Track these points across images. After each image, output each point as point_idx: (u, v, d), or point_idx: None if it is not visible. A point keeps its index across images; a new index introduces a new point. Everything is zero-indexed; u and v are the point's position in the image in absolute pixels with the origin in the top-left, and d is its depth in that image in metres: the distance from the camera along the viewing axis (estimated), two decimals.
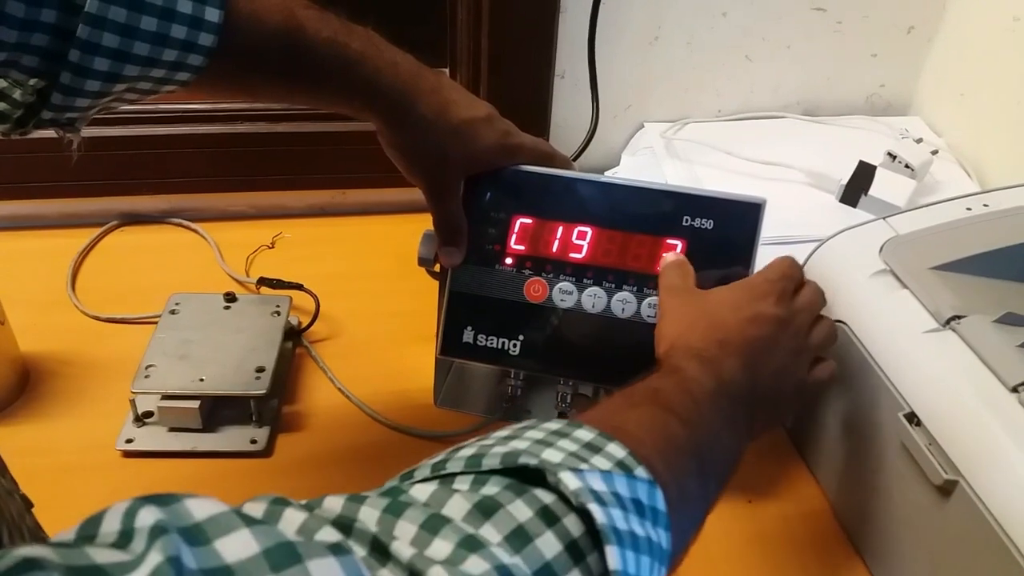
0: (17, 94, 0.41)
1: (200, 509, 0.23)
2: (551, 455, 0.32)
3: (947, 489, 0.47)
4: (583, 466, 0.31)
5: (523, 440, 0.33)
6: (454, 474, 0.32)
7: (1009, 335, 0.50)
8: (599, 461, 0.32)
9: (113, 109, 0.45)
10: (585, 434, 0.34)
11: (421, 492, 0.29)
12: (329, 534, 0.25)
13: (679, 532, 0.35)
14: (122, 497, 0.59)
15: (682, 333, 0.47)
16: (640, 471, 0.33)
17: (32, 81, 0.40)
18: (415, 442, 0.65)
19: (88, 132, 0.84)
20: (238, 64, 0.45)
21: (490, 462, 0.32)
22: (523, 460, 0.31)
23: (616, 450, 0.34)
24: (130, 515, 0.22)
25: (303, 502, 0.28)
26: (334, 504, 0.28)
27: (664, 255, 0.54)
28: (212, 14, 0.42)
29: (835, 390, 0.58)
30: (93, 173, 0.83)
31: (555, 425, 0.35)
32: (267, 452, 0.63)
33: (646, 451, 0.35)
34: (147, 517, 0.22)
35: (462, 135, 0.52)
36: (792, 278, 0.50)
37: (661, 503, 0.33)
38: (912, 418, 0.50)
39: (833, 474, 0.61)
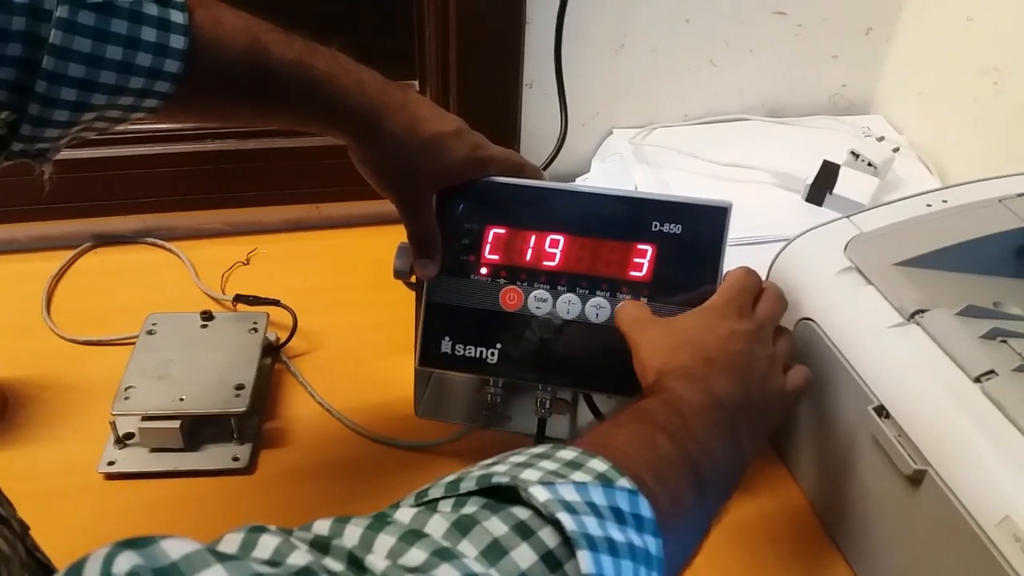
0: None
1: (175, 549, 0.24)
2: (528, 475, 0.33)
3: (917, 479, 0.48)
4: (558, 481, 0.32)
5: (504, 464, 0.35)
6: (437, 499, 0.33)
7: (971, 327, 0.52)
8: (578, 476, 0.33)
9: (84, 138, 0.45)
10: (568, 454, 0.35)
11: (404, 515, 0.30)
12: (299, 557, 0.26)
13: (677, 541, 0.36)
14: (108, 520, 0.60)
15: (666, 360, 0.48)
16: (623, 481, 0.34)
17: (2, 115, 0.41)
18: (398, 453, 0.65)
19: (59, 154, 0.83)
20: (205, 89, 0.46)
21: (467, 484, 0.33)
22: (496, 480, 0.32)
23: (598, 464, 0.35)
24: (108, 562, 0.23)
25: (288, 528, 0.28)
26: (321, 527, 0.29)
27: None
28: (177, 41, 0.42)
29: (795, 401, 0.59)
30: (65, 195, 0.83)
31: (540, 449, 0.36)
32: (250, 469, 0.63)
33: (631, 463, 0.36)
34: (124, 563, 0.23)
35: (432, 150, 0.52)
36: (749, 290, 0.52)
37: (646, 510, 0.34)
38: (881, 411, 0.51)
39: (808, 469, 0.62)
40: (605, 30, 0.84)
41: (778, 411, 0.50)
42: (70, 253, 0.84)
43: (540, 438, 0.62)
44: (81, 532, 0.58)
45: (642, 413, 0.43)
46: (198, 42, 0.44)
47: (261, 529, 0.27)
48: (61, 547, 0.56)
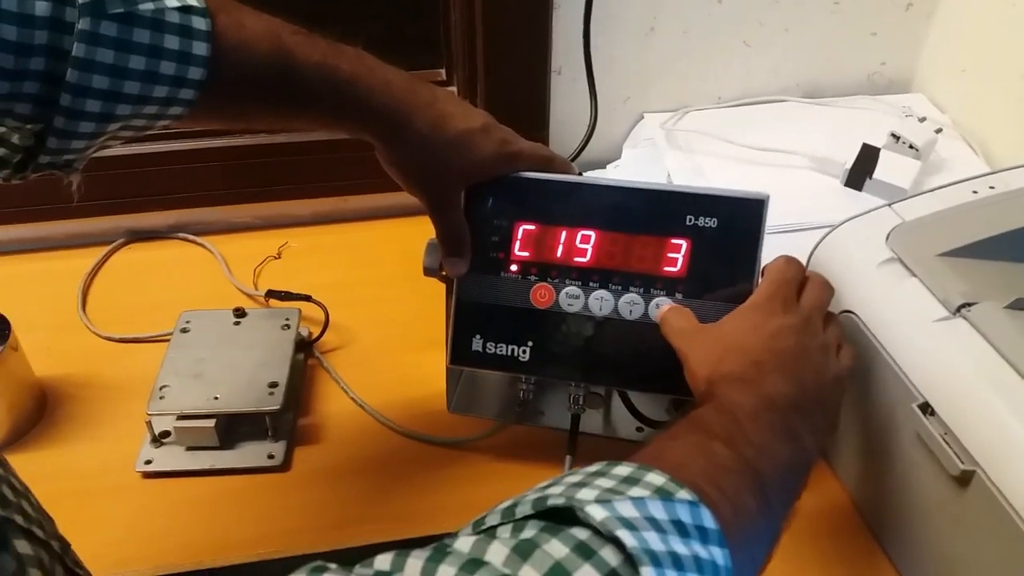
0: (15, 138, 0.41)
1: None
2: (584, 494, 0.32)
3: (965, 479, 0.47)
4: (615, 498, 0.32)
5: (559, 485, 0.34)
6: (495, 526, 0.32)
7: (1021, 321, 0.50)
8: (635, 491, 0.33)
9: (110, 147, 0.45)
10: (623, 470, 0.35)
11: (464, 544, 0.30)
12: None
13: (744, 550, 0.35)
14: (146, 519, 0.60)
15: (715, 368, 0.47)
16: (683, 493, 0.34)
17: (28, 127, 0.41)
18: (431, 449, 0.65)
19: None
20: (230, 94, 0.45)
21: (523, 509, 0.32)
22: (552, 502, 0.32)
23: (655, 478, 0.34)
24: None
25: (349, 567, 0.28)
26: (383, 562, 0.29)
27: (657, 306, 0.54)
28: (200, 48, 0.42)
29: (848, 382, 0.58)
30: (97, 192, 0.83)
31: (595, 467, 0.36)
32: (285, 466, 0.63)
33: (688, 475, 0.35)
34: None
35: (460, 147, 0.52)
36: (790, 281, 0.51)
37: (709, 520, 0.33)
38: (926, 408, 0.50)
39: (851, 466, 0.61)
40: (635, 12, 0.82)
41: (839, 396, 0.49)
42: (104, 249, 0.85)
43: (574, 434, 0.61)
44: (121, 531, 0.59)
45: (695, 423, 0.42)
46: (221, 48, 0.43)
47: (322, 569, 0.27)
48: (102, 546, 0.57)
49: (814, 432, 0.46)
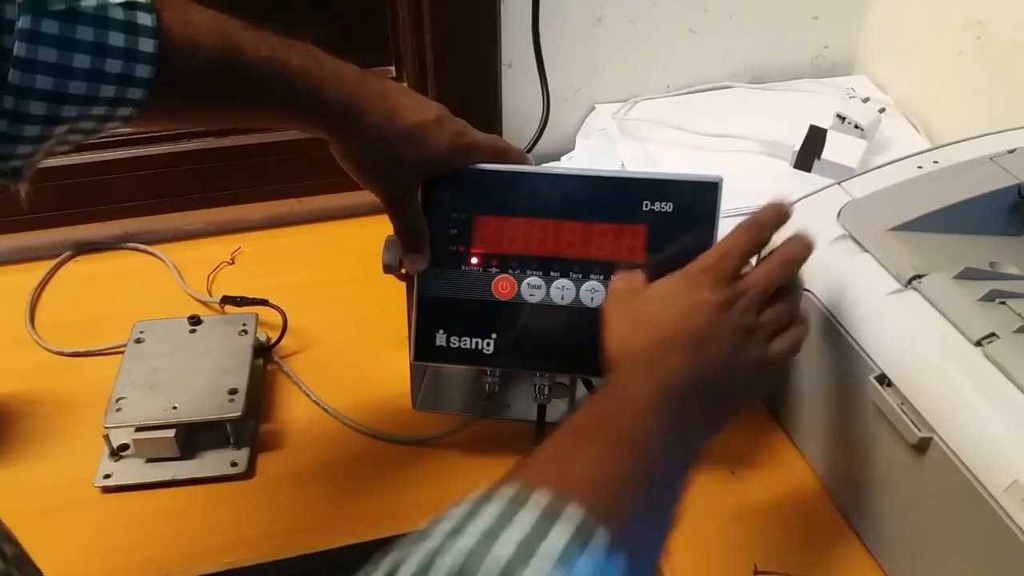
0: None
1: None
2: (501, 550, 0.31)
3: (922, 447, 0.48)
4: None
5: (445, 543, 0.32)
6: None
7: (969, 290, 0.51)
8: (548, 548, 0.32)
9: (57, 152, 0.43)
10: (528, 517, 0.33)
11: None
12: None
13: (633, 553, 0.35)
14: (108, 534, 0.58)
15: (626, 338, 0.47)
16: (595, 541, 0.33)
17: None
18: (398, 449, 0.64)
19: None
20: (179, 92, 0.44)
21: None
22: None
23: (563, 532, 0.33)
24: None
25: None
26: None
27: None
28: (146, 44, 0.41)
29: (806, 358, 0.59)
30: (42, 204, 0.81)
31: (495, 507, 0.34)
32: (249, 473, 0.62)
33: (597, 509, 0.35)
34: None
35: (414, 139, 0.51)
36: (734, 254, 0.48)
37: (599, 546, 0.33)
38: (883, 380, 0.51)
39: (812, 440, 0.62)
40: (582, 4, 0.83)
41: (753, 385, 0.48)
42: (51, 263, 0.82)
43: (541, 424, 0.61)
44: (83, 548, 0.57)
45: (602, 423, 0.42)
46: (169, 44, 0.42)
47: None
48: (64, 565, 0.55)
49: (713, 418, 0.45)
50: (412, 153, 0.52)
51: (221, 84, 0.45)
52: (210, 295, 0.78)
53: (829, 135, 0.78)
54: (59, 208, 0.82)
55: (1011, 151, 0.60)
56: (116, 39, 0.40)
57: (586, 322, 0.55)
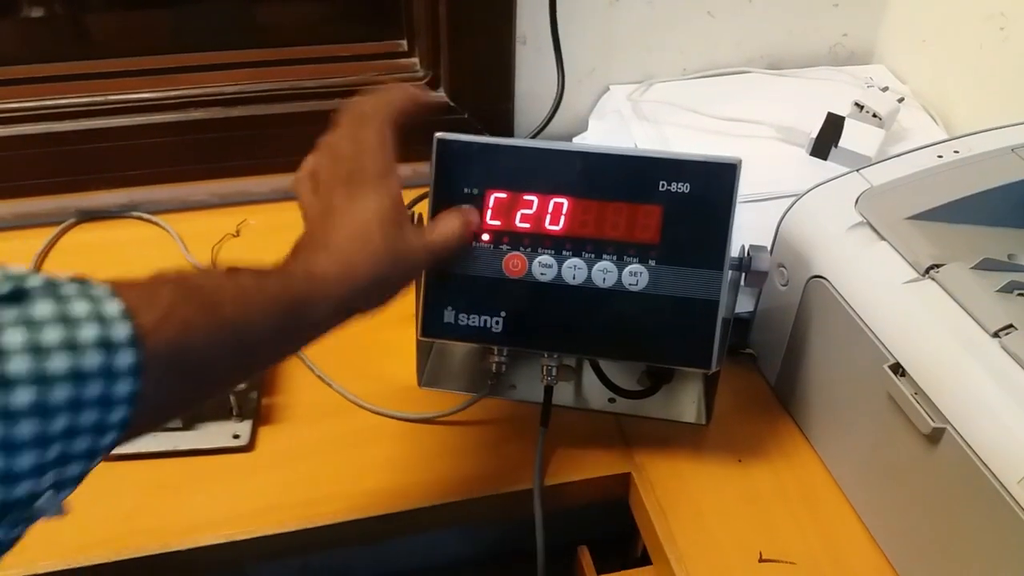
0: None
1: None
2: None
3: (935, 437, 0.47)
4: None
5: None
6: None
7: (987, 280, 0.50)
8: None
9: None
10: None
11: None
12: None
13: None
14: (109, 502, 0.57)
15: None
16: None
17: None
18: (401, 426, 0.64)
19: (38, 128, 0.80)
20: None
21: None
22: None
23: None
24: None
25: None
26: None
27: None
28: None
29: (819, 345, 0.58)
30: (46, 170, 0.80)
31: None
32: (250, 446, 0.62)
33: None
34: None
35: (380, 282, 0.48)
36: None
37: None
38: (897, 369, 0.50)
39: (822, 428, 0.61)
40: None
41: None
42: (54, 230, 0.82)
43: (546, 406, 0.60)
44: (84, 515, 0.57)
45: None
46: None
47: None
48: (64, 531, 0.55)
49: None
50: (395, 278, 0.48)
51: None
52: (214, 267, 0.78)
53: (847, 123, 0.77)
54: (63, 174, 0.81)
55: None
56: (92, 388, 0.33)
57: (597, 303, 0.54)
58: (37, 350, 0.30)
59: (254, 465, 0.61)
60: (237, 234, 0.82)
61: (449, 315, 0.56)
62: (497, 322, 0.56)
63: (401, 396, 0.65)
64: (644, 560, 0.61)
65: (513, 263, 0.55)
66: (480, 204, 0.55)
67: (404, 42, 0.86)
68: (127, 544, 0.55)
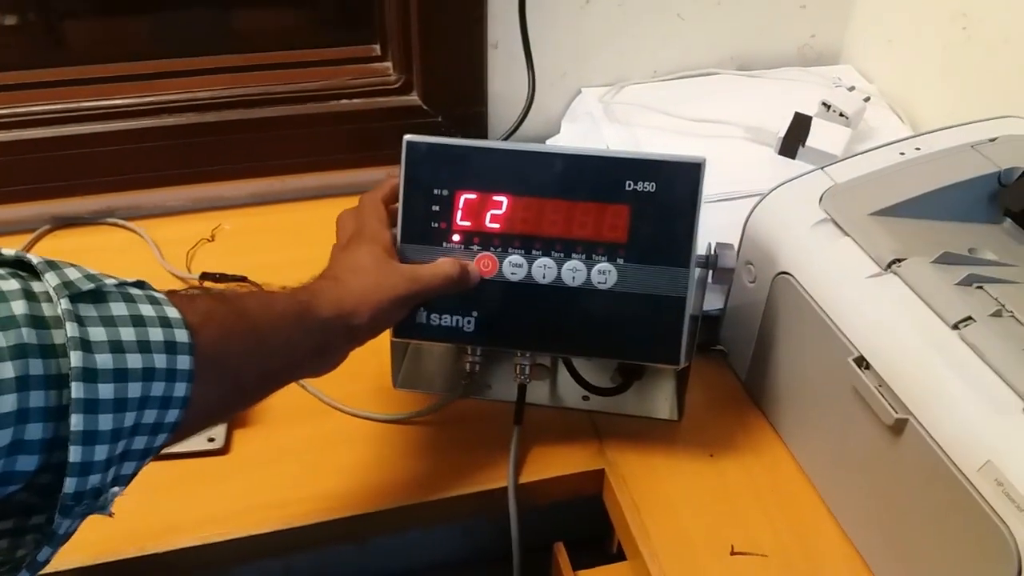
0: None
1: None
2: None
3: (898, 428, 0.48)
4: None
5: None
6: None
7: (947, 274, 0.51)
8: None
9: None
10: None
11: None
12: None
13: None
14: None
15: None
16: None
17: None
18: (376, 427, 0.64)
19: (11, 135, 0.80)
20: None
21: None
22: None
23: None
24: None
25: None
26: None
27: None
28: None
29: (786, 340, 0.59)
30: (19, 177, 0.80)
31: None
32: (225, 449, 0.62)
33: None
34: None
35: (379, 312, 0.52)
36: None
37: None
38: (861, 362, 0.51)
39: (791, 422, 0.62)
40: None
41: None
42: (28, 237, 0.81)
43: (520, 404, 0.61)
44: None
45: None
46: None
47: None
48: None
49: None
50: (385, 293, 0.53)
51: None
52: (189, 272, 0.78)
53: (814, 123, 0.78)
54: (37, 181, 0.81)
55: (992, 140, 0.61)
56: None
57: (567, 302, 0.55)
58: (118, 347, 0.32)
59: (230, 468, 0.61)
60: (212, 239, 0.82)
61: (422, 316, 0.56)
62: (469, 322, 0.56)
63: (376, 397, 0.66)
64: (620, 556, 0.61)
65: (484, 263, 0.56)
66: (450, 205, 0.55)
67: (377, 47, 0.86)
68: (104, 549, 0.55)
